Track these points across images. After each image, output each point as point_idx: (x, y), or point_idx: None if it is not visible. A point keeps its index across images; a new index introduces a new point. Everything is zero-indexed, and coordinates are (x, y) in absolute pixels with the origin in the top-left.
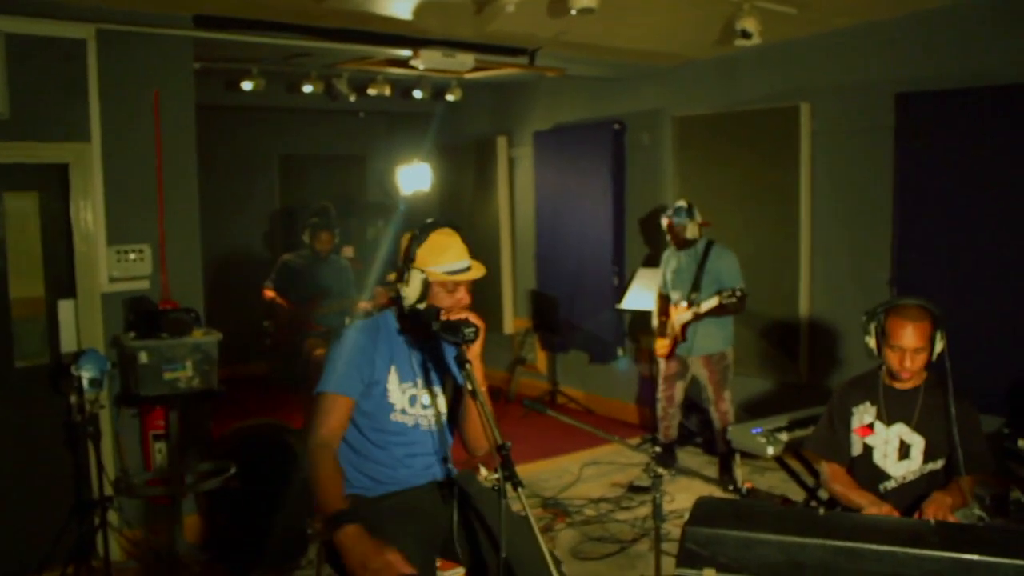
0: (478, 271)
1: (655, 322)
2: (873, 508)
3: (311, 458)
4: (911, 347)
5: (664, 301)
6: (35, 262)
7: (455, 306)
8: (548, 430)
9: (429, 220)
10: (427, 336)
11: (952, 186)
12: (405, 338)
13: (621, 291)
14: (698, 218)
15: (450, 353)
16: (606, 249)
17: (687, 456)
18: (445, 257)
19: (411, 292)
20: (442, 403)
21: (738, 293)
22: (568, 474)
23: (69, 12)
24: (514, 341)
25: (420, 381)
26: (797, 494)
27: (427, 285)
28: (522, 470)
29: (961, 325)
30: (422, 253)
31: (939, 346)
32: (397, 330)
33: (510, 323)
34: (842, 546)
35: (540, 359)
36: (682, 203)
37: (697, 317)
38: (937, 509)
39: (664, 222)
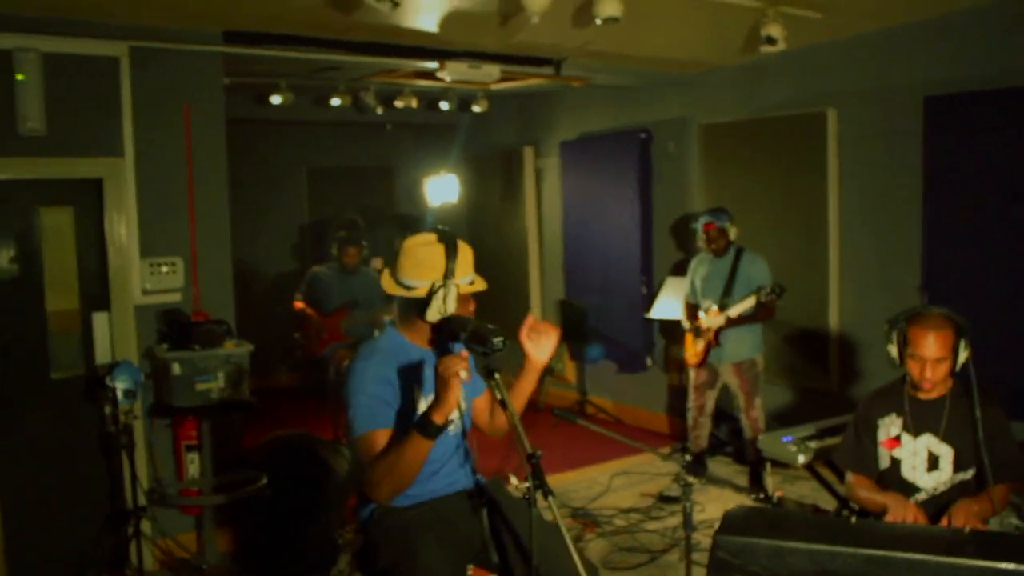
0: (482, 282)
1: (687, 326)
2: (900, 509)
3: (377, 469)
4: (932, 357)
5: (692, 309)
6: (70, 275)
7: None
8: (577, 440)
9: (446, 229)
10: (437, 342)
11: (982, 190)
12: (417, 349)
13: (649, 300)
14: (735, 225)
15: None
16: (634, 258)
17: (717, 465)
18: (466, 269)
19: (449, 308)
20: (464, 404)
21: (776, 289)
22: (598, 484)
23: (103, 31)
24: None
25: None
26: (828, 503)
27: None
28: (552, 480)
29: (993, 330)
30: (457, 267)
31: (963, 355)
32: (405, 345)
33: None
34: (874, 555)
35: (569, 369)
36: (717, 208)
37: (730, 322)
38: (964, 518)
39: (701, 226)
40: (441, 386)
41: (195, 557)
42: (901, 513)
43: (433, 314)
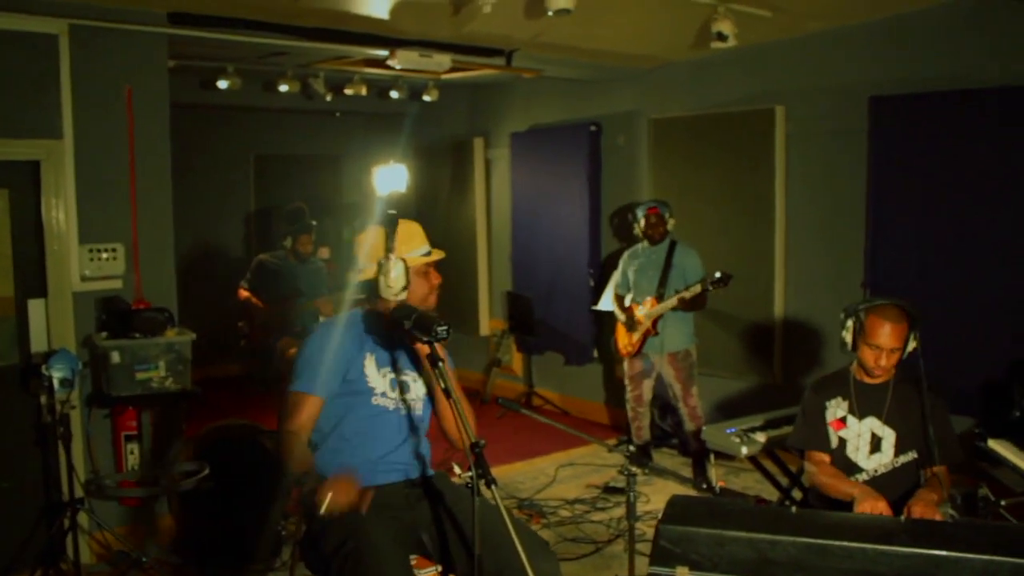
0: (440, 252)
1: (621, 318)
2: (869, 499)
3: (283, 443)
4: (888, 347)
5: (620, 300)
6: (5, 261)
7: (433, 290)
8: (524, 432)
9: (392, 212)
10: (392, 333)
11: (925, 189)
12: (373, 336)
13: (597, 292)
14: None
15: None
16: (582, 250)
17: (663, 457)
18: (415, 243)
19: (396, 282)
20: (416, 393)
21: (724, 278)
22: (544, 475)
23: (41, 7)
24: (490, 343)
25: (399, 368)
26: (772, 494)
27: (408, 273)
28: (498, 471)
29: (933, 327)
30: (398, 243)
31: (911, 345)
32: (364, 329)
33: (486, 325)
34: (812, 543)
35: (516, 361)
36: (659, 200)
37: (682, 304)
38: (925, 508)
39: (644, 210)
40: (326, 488)
41: (134, 550)
42: (870, 504)
43: (384, 290)
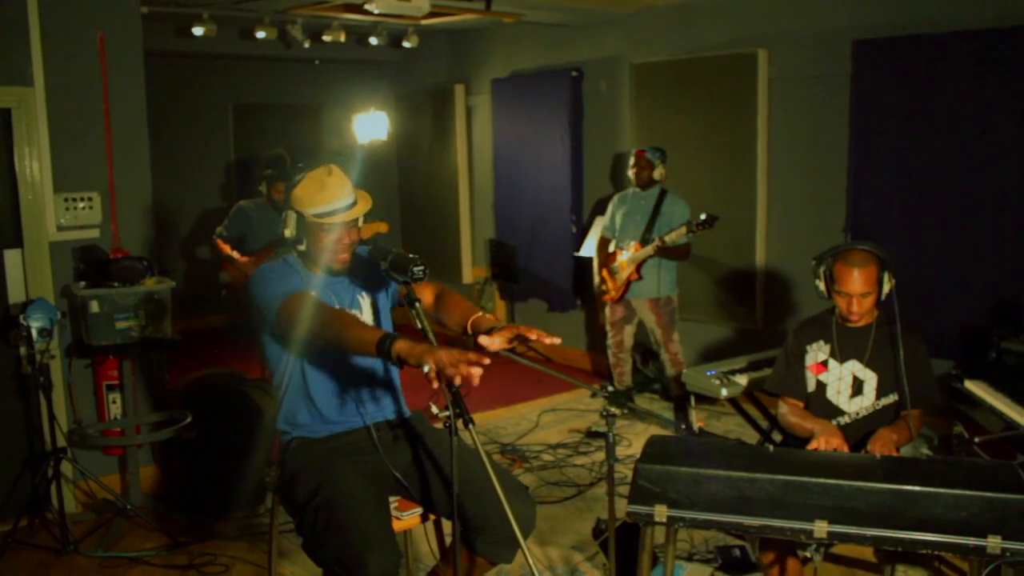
0: (360, 209)
1: (596, 277)
2: (824, 435)
3: (318, 316)
4: (857, 292)
5: (605, 244)
6: None
7: (339, 249)
8: (507, 378)
9: (305, 161)
10: (351, 272)
11: (908, 133)
12: (315, 277)
13: (579, 239)
14: (665, 167)
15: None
16: (564, 197)
17: (644, 402)
18: (320, 197)
19: (288, 234)
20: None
21: (708, 219)
22: (526, 421)
23: None
24: (473, 290)
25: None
26: (752, 439)
27: (305, 227)
28: (480, 417)
29: (914, 271)
30: (298, 193)
31: (887, 287)
32: (303, 273)
33: (469, 272)
34: (790, 480)
35: (499, 308)
36: (657, 146)
37: (660, 251)
38: (883, 446)
39: (633, 155)
40: (431, 355)
41: (119, 498)
42: (824, 439)
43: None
